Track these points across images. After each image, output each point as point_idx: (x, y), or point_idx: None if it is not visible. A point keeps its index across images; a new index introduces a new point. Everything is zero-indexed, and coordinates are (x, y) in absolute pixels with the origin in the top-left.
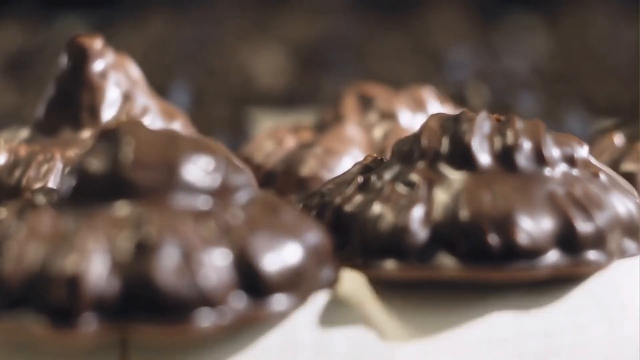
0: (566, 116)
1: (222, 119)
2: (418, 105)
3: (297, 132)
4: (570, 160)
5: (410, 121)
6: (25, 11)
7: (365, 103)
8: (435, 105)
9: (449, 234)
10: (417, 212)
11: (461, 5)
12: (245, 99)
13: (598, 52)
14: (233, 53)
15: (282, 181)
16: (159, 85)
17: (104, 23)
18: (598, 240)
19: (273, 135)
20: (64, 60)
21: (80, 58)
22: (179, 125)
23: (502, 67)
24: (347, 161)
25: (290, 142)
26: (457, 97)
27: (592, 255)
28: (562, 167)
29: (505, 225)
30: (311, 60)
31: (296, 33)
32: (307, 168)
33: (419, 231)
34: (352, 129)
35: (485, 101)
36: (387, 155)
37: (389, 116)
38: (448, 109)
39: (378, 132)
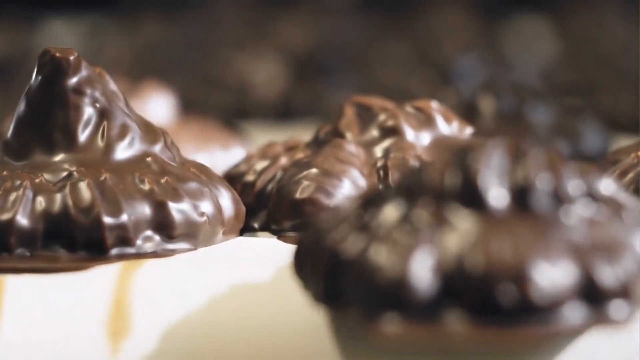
0: (583, 129)
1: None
2: (424, 121)
3: (292, 149)
4: (592, 196)
5: (416, 138)
6: (8, 15)
7: (366, 117)
8: (443, 121)
9: (457, 286)
10: (423, 259)
11: (466, 9)
12: (239, 110)
13: (613, 59)
14: (228, 61)
15: (275, 204)
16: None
17: (93, 28)
18: (622, 291)
19: (266, 151)
20: (36, 75)
21: (53, 72)
22: (159, 146)
23: (511, 75)
24: (346, 184)
25: (285, 160)
26: (465, 107)
27: (616, 307)
28: (583, 205)
29: (519, 278)
30: (309, 69)
31: (294, 40)
32: (303, 191)
33: (424, 282)
34: (351, 146)
35: (495, 112)
36: (390, 177)
37: (392, 132)
38: (456, 125)
39: (380, 150)
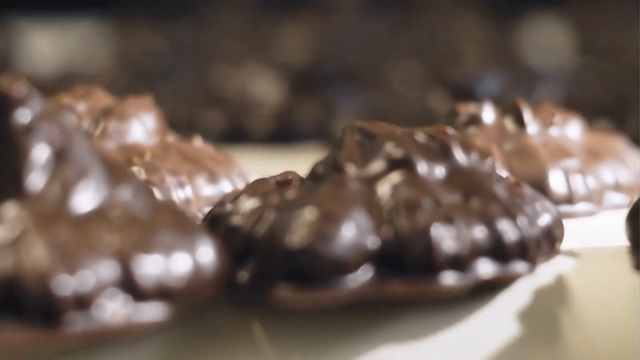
0: None
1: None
2: (438, 150)
3: (285, 185)
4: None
5: (429, 171)
6: None
7: (370, 146)
8: (460, 151)
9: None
10: None
11: (481, 20)
12: (233, 129)
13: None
14: (222, 76)
15: (265, 255)
16: None
17: (81, 36)
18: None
19: (256, 187)
20: None
21: None
22: (129, 192)
23: (532, 91)
24: (349, 228)
25: (277, 199)
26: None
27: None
28: None
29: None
30: (311, 85)
31: (294, 54)
32: (297, 238)
33: None
34: (354, 183)
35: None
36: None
37: (400, 164)
38: (476, 155)
39: (388, 186)
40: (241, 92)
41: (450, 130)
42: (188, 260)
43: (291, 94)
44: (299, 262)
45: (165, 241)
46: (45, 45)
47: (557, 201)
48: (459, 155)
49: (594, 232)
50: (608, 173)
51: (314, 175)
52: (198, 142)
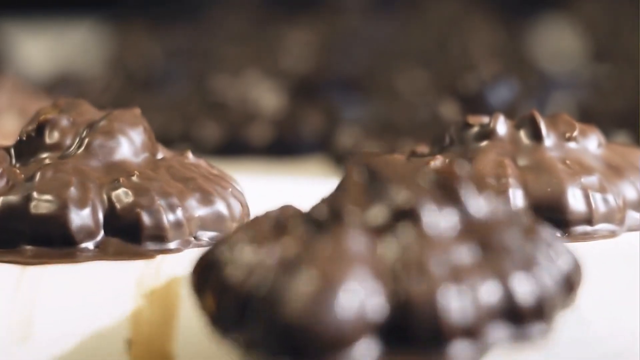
0: None
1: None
2: (446, 195)
3: (283, 230)
4: None
5: (436, 224)
6: None
7: (376, 188)
8: (471, 193)
9: None
10: None
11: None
12: (231, 143)
13: None
14: (220, 86)
15: (261, 321)
16: None
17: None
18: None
19: (254, 230)
20: None
21: None
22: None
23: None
24: (350, 296)
25: (275, 252)
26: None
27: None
28: None
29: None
30: (314, 95)
31: (297, 63)
32: (294, 310)
33: None
34: (356, 238)
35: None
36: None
37: (405, 216)
38: (488, 196)
39: (390, 242)
40: (240, 101)
41: (459, 169)
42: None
43: (293, 103)
44: (295, 336)
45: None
46: (40, 49)
47: (575, 221)
48: (470, 202)
49: (616, 255)
50: (630, 190)
51: (315, 221)
52: (190, 157)
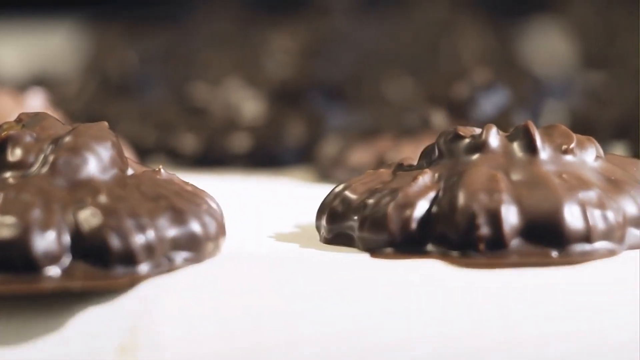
0: None
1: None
2: None
3: None
4: None
5: None
6: None
7: None
8: None
9: None
10: None
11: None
12: (209, 153)
13: None
14: (202, 93)
15: None
16: None
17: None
18: None
19: None
20: None
21: None
22: None
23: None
24: None
25: None
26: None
27: None
28: None
29: None
30: (293, 105)
31: (280, 70)
32: None
33: None
34: None
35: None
36: None
37: None
38: None
39: None
40: (220, 109)
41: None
42: None
43: (274, 111)
44: None
45: None
46: (13, 52)
47: (572, 239)
48: None
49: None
50: (631, 206)
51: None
52: (162, 173)
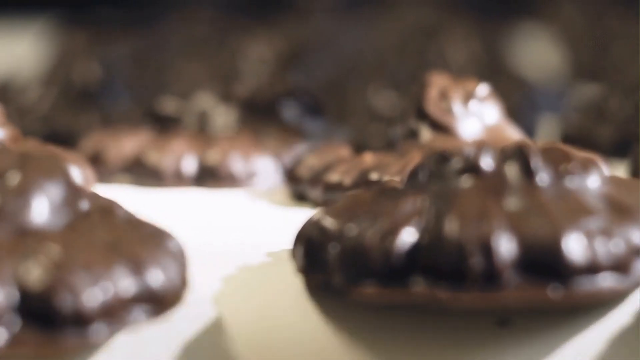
0: None
1: None
2: None
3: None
4: None
5: None
6: None
7: None
8: None
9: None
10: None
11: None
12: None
13: None
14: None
15: None
16: None
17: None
18: None
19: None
20: None
21: None
22: None
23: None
24: None
25: None
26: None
27: None
28: None
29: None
30: (267, 118)
31: (249, 81)
32: None
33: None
34: None
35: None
36: None
37: None
38: None
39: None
40: (191, 121)
41: None
42: None
43: (247, 125)
44: None
45: None
46: None
47: (574, 271)
48: None
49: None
50: (639, 234)
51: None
52: (121, 212)
